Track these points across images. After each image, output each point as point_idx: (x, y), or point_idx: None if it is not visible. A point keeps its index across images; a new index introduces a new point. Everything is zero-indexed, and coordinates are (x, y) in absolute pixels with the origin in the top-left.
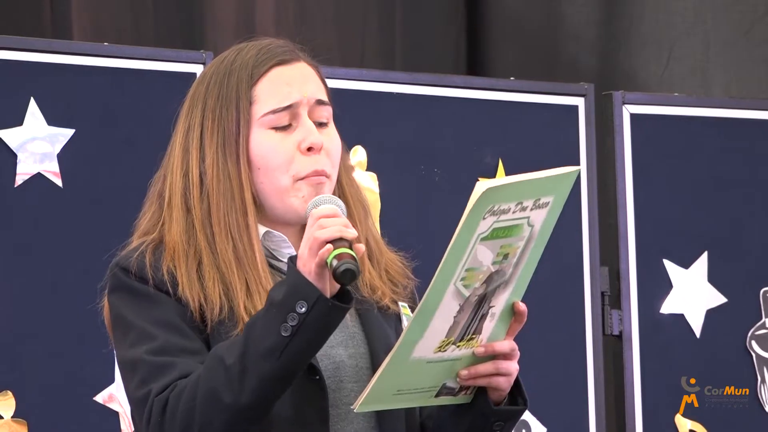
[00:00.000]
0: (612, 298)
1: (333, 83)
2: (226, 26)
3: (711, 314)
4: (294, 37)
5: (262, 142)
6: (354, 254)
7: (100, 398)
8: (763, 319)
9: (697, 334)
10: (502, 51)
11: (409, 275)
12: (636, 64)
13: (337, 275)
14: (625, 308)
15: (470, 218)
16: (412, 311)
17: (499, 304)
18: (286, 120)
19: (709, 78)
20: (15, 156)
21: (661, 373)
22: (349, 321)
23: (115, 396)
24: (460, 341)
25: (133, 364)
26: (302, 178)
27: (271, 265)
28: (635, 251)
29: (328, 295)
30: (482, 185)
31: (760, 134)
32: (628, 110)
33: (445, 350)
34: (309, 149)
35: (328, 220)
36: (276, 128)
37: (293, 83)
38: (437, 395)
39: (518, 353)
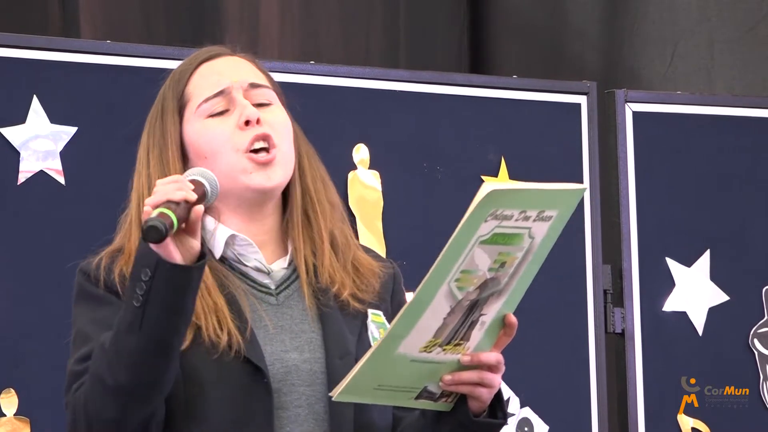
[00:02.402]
0: (614, 296)
1: (335, 81)
2: (231, 24)
3: (713, 312)
4: (298, 35)
5: (202, 130)
6: (171, 214)
7: None
8: (766, 318)
9: (700, 332)
10: (505, 49)
11: (380, 274)
12: (640, 62)
13: (142, 234)
14: (628, 306)
15: (472, 218)
16: (395, 299)
17: (490, 313)
18: (221, 106)
19: (713, 76)
20: (18, 154)
21: (663, 371)
22: (308, 326)
23: None
24: (446, 344)
25: (67, 374)
26: (247, 151)
27: (240, 271)
28: (638, 249)
29: (177, 258)
30: (487, 186)
31: (762, 132)
32: (631, 108)
33: (431, 351)
34: (246, 123)
35: (162, 186)
36: (213, 115)
37: (223, 72)
38: (417, 397)
39: (503, 367)
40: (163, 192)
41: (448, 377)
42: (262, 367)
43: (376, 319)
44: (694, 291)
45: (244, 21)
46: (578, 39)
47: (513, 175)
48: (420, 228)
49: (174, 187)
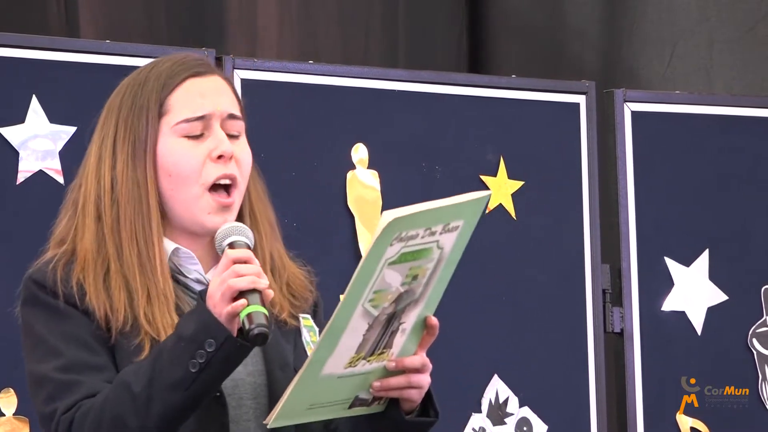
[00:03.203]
0: (613, 295)
1: (334, 81)
2: (231, 24)
3: (712, 312)
4: (297, 35)
5: (174, 149)
6: (266, 312)
7: None
8: (764, 317)
9: (699, 331)
10: (504, 49)
11: (311, 288)
12: (639, 62)
13: (249, 338)
14: (627, 306)
15: (376, 247)
16: (315, 321)
17: (409, 320)
18: (199, 129)
19: (712, 76)
20: (17, 153)
21: (662, 370)
22: None
23: None
24: (370, 356)
25: (41, 379)
26: (211, 187)
27: (176, 280)
28: (636, 249)
29: (235, 332)
30: (388, 216)
31: (761, 132)
32: (630, 108)
33: (356, 365)
34: (219, 157)
35: (243, 267)
36: (188, 137)
37: (207, 95)
38: (350, 406)
39: (430, 367)
40: (250, 280)
41: (377, 384)
42: None
43: (306, 323)
44: (693, 291)
45: (243, 21)
46: (577, 39)
47: (512, 175)
48: None
49: (255, 272)
